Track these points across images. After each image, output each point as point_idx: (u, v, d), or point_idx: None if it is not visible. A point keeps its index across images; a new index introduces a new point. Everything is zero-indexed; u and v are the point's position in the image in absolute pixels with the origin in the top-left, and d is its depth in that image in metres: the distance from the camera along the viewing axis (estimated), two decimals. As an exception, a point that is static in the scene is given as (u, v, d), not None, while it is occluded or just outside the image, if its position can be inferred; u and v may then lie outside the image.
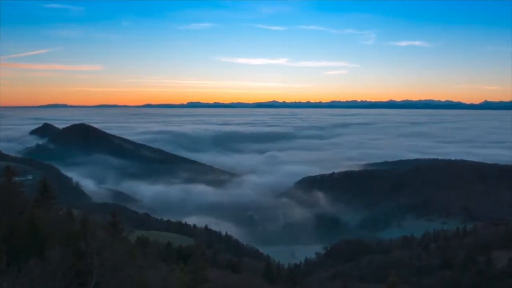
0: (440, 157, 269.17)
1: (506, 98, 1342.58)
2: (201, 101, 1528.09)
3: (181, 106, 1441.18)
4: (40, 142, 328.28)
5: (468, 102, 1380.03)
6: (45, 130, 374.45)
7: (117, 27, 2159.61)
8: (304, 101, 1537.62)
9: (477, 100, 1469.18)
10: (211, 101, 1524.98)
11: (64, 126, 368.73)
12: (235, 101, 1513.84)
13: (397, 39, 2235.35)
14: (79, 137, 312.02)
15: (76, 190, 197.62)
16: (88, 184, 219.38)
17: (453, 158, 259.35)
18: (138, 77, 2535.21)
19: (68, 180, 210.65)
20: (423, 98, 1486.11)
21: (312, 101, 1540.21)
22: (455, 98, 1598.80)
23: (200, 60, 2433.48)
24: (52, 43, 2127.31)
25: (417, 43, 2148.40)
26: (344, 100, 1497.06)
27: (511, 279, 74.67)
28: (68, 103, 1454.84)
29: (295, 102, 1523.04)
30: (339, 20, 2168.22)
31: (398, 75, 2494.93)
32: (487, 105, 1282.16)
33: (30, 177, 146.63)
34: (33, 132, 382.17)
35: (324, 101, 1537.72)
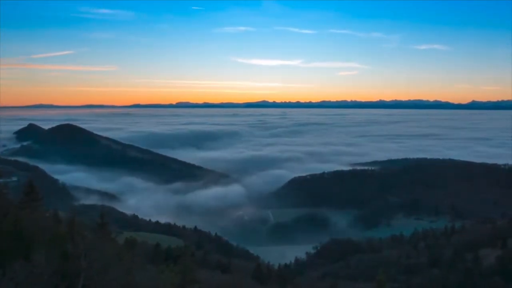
0: (428, 157, 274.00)
1: (493, 98, 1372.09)
2: (191, 101, 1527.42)
3: (170, 106, 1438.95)
4: (25, 143, 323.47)
5: (456, 102, 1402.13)
6: (30, 130, 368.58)
7: (152, 29, 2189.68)
8: (294, 101, 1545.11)
9: (465, 100, 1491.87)
10: (200, 101, 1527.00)
11: (49, 126, 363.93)
12: (225, 101, 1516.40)
13: (417, 43, 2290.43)
14: (65, 137, 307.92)
15: (62, 192, 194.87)
16: (75, 185, 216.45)
17: (441, 158, 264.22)
18: (147, 77, 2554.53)
19: (54, 181, 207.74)
20: (412, 98, 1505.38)
21: (302, 101, 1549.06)
22: (443, 98, 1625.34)
23: (216, 61, 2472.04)
24: (81, 45, 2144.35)
25: (436, 46, 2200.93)
26: (334, 100, 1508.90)
27: (498, 277, 75.49)
28: (55, 103, 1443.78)
29: (284, 102, 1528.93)
30: (367, 24, 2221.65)
31: (401, 76, 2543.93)
32: (475, 105, 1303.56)
33: (15, 178, 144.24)
34: (17, 133, 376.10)
35: (314, 101, 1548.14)
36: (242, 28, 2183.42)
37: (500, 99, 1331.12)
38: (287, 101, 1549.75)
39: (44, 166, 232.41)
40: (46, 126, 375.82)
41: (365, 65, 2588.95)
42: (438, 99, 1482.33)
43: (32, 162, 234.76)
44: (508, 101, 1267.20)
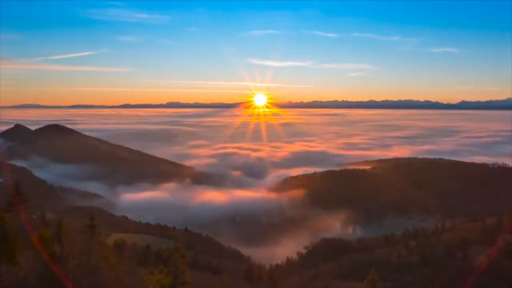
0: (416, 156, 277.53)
1: (482, 98, 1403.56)
2: (181, 101, 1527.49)
3: (160, 106, 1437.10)
4: (12, 143, 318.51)
5: (446, 102, 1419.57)
6: (16, 131, 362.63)
7: (180, 32, 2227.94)
8: (285, 101, 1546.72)
9: (454, 100, 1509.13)
10: (191, 102, 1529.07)
11: (37, 126, 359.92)
12: (216, 101, 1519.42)
13: (431, 46, 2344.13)
14: (53, 138, 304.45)
15: (50, 193, 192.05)
16: (63, 187, 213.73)
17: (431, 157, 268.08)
18: (153, 78, 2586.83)
19: (42, 182, 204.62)
20: (402, 98, 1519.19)
21: (293, 101, 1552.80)
22: (433, 98, 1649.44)
23: (228, 63, 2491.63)
24: (101, 46, 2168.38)
25: (449, 49, 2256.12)
26: (325, 100, 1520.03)
27: (488, 275, 76.09)
28: (41, 103, 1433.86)
29: (275, 102, 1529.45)
30: (390, 28, 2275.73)
31: (403, 78, 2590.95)
32: (464, 105, 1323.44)
33: (0, 180, 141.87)
34: (3, 134, 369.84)
35: (305, 101, 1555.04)
36: (270, 31, 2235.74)
37: (489, 99, 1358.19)
38: (279, 101, 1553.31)
39: (31, 167, 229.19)
40: (34, 126, 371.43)
41: (374, 67, 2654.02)
42: (428, 99, 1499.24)
43: (19, 163, 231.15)
44: (496, 101, 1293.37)
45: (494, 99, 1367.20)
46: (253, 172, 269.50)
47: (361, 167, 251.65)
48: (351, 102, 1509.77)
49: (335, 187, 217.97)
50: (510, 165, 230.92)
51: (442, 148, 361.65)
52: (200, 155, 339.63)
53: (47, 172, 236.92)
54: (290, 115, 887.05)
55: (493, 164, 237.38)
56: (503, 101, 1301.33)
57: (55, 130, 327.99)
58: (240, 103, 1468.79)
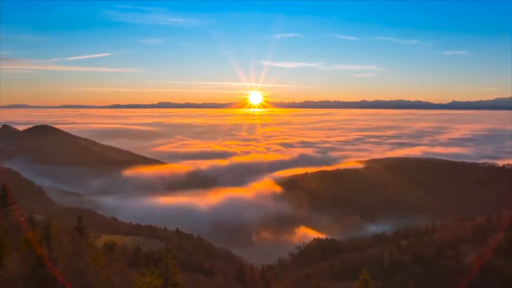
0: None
1: (472, 98, 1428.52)
2: (172, 101, 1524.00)
3: (151, 106, 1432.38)
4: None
5: (436, 102, 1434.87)
6: (4, 131, 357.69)
7: (206, 36, 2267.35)
8: (277, 101, 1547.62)
9: (445, 100, 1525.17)
10: (182, 101, 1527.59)
11: (25, 127, 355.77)
12: (208, 101, 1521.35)
13: (444, 49, 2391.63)
14: (42, 138, 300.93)
15: (38, 195, 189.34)
16: (51, 188, 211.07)
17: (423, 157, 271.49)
18: (162, 79, 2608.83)
19: (30, 184, 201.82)
20: (394, 99, 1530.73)
21: (285, 101, 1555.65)
22: (424, 98, 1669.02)
23: (238, 64, 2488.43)
24: (126, 48, 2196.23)
25: (459, 52, 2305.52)
26: (318, 100, 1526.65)
27: (478, 273, 76.59)
28: (30, 103, 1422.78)
29: (268, 102, 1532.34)
30: (409, 32, 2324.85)
31: (407, 78, 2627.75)
32: (455, 105, 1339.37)
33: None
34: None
35: (297, 101, 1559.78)
36: (293, 34, 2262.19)
37: (479, 99, 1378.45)
38: (272, 101, 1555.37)
39: (19, 168, 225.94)
40: (22, 127, 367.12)
41: (382, 68, 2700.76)
42: (419, 99, 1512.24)
43: (6, 165, 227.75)
44: (487, 101, 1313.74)
45: (484, 99, 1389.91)
46: (243, 172, 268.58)
47: (353, 167, 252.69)
48: (343, 102, 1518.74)
49: (327, 187, 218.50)
50: (500, 164, 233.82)
51: (432, 148, 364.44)
52: (188, 155, 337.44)
53: (35, 173, 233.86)
54: (283, 115, 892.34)
55: (484, 163, 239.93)
56: (492, 101, 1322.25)
57: (43, 131, 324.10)
58: (232, 103, 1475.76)
